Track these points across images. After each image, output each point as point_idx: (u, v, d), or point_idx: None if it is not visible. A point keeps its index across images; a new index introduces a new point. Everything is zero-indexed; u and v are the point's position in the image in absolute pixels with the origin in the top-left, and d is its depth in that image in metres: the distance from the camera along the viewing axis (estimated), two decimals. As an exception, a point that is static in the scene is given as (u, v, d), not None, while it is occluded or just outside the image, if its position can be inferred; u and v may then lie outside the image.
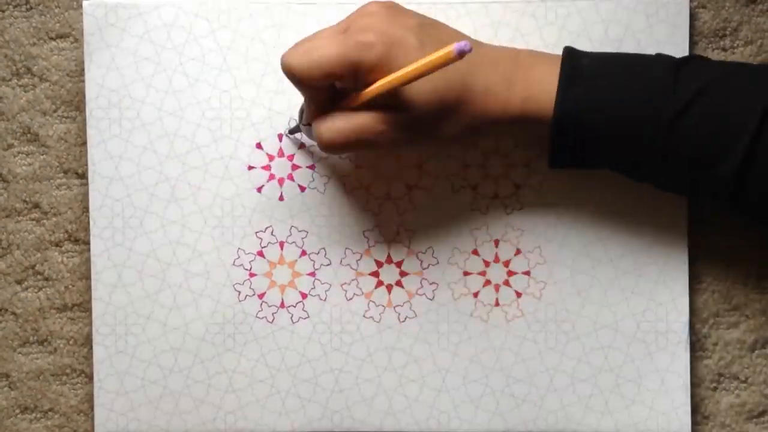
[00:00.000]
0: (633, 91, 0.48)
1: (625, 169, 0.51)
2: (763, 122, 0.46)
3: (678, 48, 0.56)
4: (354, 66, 0.46)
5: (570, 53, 0.50)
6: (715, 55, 0.58)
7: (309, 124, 0.51)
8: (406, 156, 0.57)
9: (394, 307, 0.57)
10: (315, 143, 0.51)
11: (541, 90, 0.49)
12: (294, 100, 0.56)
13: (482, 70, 0.49)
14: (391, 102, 0.48)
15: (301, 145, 0.57)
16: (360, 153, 0.56)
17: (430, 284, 0.57)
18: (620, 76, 0.49)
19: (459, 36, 0.51)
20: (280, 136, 0.57)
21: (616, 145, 0.49)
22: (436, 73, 0.45)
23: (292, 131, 0.56)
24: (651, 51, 0.56)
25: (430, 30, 0.49)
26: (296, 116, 0.56)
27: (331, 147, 0.49)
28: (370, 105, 0.48)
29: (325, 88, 0.49)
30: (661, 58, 0.50)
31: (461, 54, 0.42)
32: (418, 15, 0.50)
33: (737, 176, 0.47)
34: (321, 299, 0.57)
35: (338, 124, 0.48)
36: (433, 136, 0.49)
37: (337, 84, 0.49)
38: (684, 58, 0.50)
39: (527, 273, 0.57)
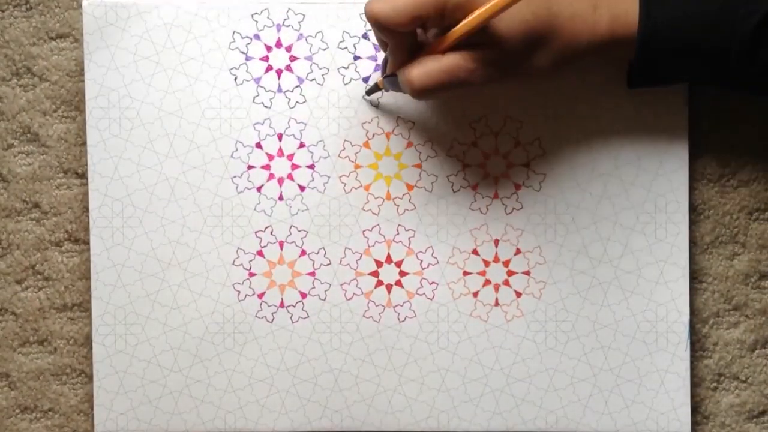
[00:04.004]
0: (715, 1, 0.49)
1: (710, 79, 0.51)
2: None
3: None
4: (440, 4, 0.46)
5: None
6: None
7: (392, 75, 0.50)
8: (406, 156, 0.57)
9: (394, 307, 0.57)
10: (400, 92, 0.51)
11: (627, 9, 0.49)
12: (293, 100, 0.56)
13: None
14: (480, 40, 0.47)
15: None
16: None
17: (430, 284, 0.57)
18: None
19: None
20: (279, 136, 0.57)
21: (703, 57, 0.49)
22: (522, 5, 0.45)
23: (369, 92, 0.56)
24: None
25: None
26: (296, 116, 0.56)
27: (423, 91, 0.48)
28: (457, 47, 0.48)
29: (410, 34, 0.48)
30: None
31: None
32: None
33: None
34: (321, 299, 0.57)
35: (429, 67, 0.48)
36: (524, 70, 0.49)
37: (420, 30, 0.49)
38: None
39: (527, 273, 0.57)
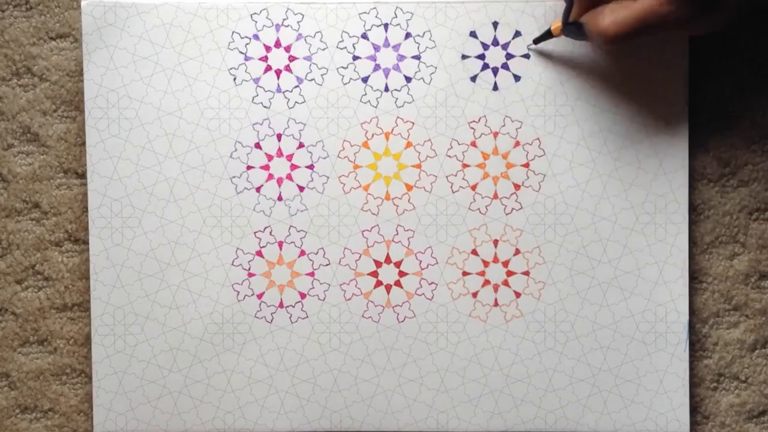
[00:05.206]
0: None
1: None
2: None
3: (677, 47, 0.56)
4: None
5: None
6: (715, 56, 0.57)
7: (574, 22, 0.51)
8: (406, 156, 0.57)
9: (393, 307, 0.57)
10: (581, 40, 0.52)
11: None
12: (292, 100, 0.56)
13: None
14: None
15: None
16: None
17: (429, 284, 0.57)
18: None
19: None
20: (278, 136, 0.57)
21: None
22: None
23: (538, 40, 0.55)
24: (650, 49, 0.56)
25: None
26: (295, 116, 0.56)
27: (616, 37, 0.49)
28: None
29: None
30: None
31: None
32: None
33: None
34: (320, 299, 0.57)
35: (620, 15, 0.49)
36: (717, 10, 0.49)
37: None
38: None
39: (526, 273, 0.57)
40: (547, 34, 0.55)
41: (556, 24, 0.53)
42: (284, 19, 0.56)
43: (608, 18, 0.49)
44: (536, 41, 0.56)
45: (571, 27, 0.52)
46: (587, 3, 0.50)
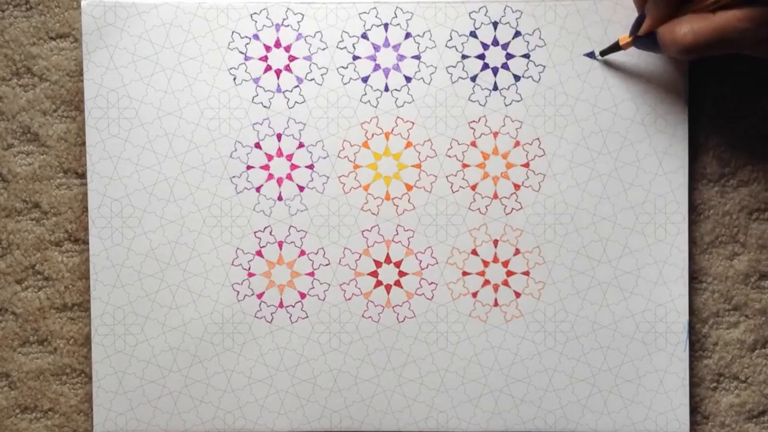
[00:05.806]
0: None
1: None
2: None
3: (678, 47, 0.56)
4: None
5: None
6: (714, 58, 0.57)
7: (647, 34, 0.51)
8: (406, 156, 0.57)
9: (393, 307, 0.57)
10: (653, 52, 0.52)
11: None
12: (292, 100, 0.56)
13: None
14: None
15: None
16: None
17: (429, 284, 0.57)
18: None
19: None
20: (278, 136, 0.57)
21: None
22: None
23: (605, 52, 0.55)
24: (650, 50, 0.56)
25: None
26: (295, 116, 0.56)
27: (692, 48, 0.49)
28: (727, 6, 0.48)
29: None
30: None
31: None
32: None
33: None
34: (320, 299, 0.57)
35: (698, 26, 0.48)
36: None
37: None
38: None
39: (526, 273, 0.57)
40: (615, 47, 0.55)
41: (625, 37, 0.53)
42: (284, 19, 0.56)
43: (686, 27, 0.49)
44: (603, 53, 0.56)
45: (643, 39, 0.52)
46: (660, 16, 0.50)
